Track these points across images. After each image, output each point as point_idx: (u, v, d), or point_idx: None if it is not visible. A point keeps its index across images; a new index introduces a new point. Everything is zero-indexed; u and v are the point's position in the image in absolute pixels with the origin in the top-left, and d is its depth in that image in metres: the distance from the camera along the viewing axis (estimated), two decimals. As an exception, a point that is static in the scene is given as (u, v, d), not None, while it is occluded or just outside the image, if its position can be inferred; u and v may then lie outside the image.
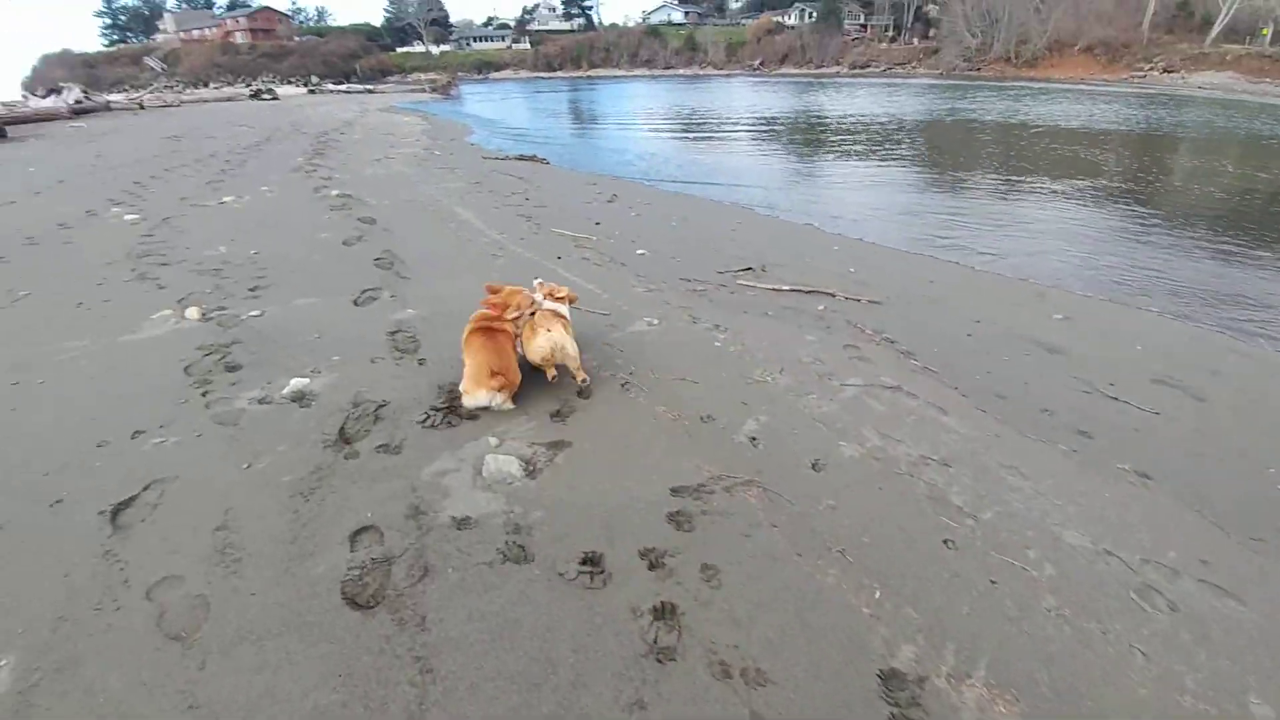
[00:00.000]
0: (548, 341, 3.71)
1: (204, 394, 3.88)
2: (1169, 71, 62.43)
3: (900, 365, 4.56)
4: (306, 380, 4.02)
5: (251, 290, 5.88)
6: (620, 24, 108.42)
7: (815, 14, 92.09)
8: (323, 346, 4.59)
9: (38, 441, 3.39)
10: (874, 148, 18.46)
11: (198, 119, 27.11)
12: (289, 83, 63.19)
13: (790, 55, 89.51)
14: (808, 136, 22.15)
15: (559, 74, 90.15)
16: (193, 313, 5.17)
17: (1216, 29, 62.29)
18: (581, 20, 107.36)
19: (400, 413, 3.68)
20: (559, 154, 16.67)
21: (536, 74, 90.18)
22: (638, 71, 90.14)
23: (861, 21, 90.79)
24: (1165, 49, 65.07)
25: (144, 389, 3.94)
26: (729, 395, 3.94)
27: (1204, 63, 61.05)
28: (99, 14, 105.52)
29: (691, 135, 22.60)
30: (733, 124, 25.79)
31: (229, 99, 42.15)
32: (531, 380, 3.87)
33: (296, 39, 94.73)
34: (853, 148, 18.60)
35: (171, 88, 58.18)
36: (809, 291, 6.10)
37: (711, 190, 12.15)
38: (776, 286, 6.26)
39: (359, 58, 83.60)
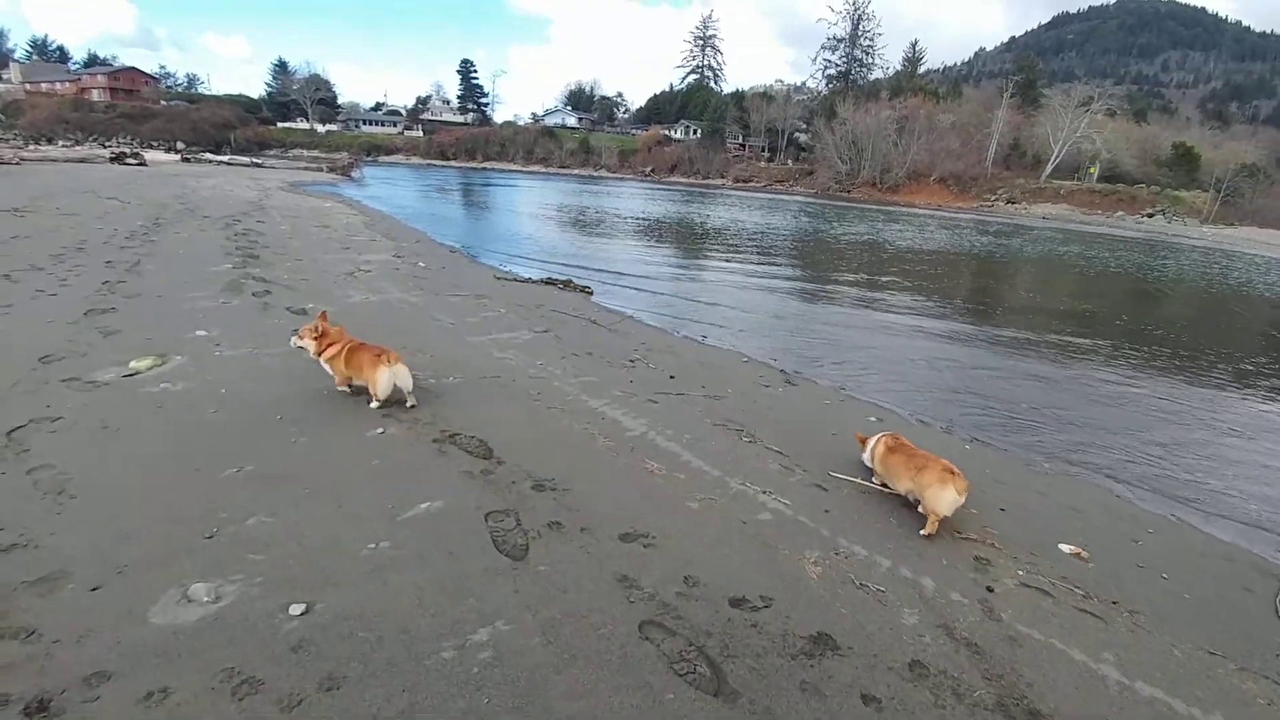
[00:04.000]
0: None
1: None
2: (1012, 202, 71.58)
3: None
4: None
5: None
6: (513, 121, 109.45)
7: (700, 131, 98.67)
8: None
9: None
10: (758, 256, 19.42)
11: (47, 182, 21.15)
12: (151, 146, 55.16)
13: (679, 165, 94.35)
14: (723, 245, 20.87)
15: (453, 163, 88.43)
16: None
17: (1050, 167, 72.87)
18: (477, 115, 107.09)
19: None
20: (542, 263, 13.79)
21: (429, 161, 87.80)
22: (533, 167, 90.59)
23: (740, 141, 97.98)
24: (1006, 183, 75.01)
25: None
26: None
27: (1041, 196, 70.71)
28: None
29: (658, 245, 20.49)
30: (675, 232, 24.21)
31: (82, 159, 34.81)
32: None
33: (163, 103, 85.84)
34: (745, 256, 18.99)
35: (6, 140, 48.67)
36: None
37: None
38: None
39: (233, 128, 76.61)
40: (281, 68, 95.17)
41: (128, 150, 40.08)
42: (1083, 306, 15.67)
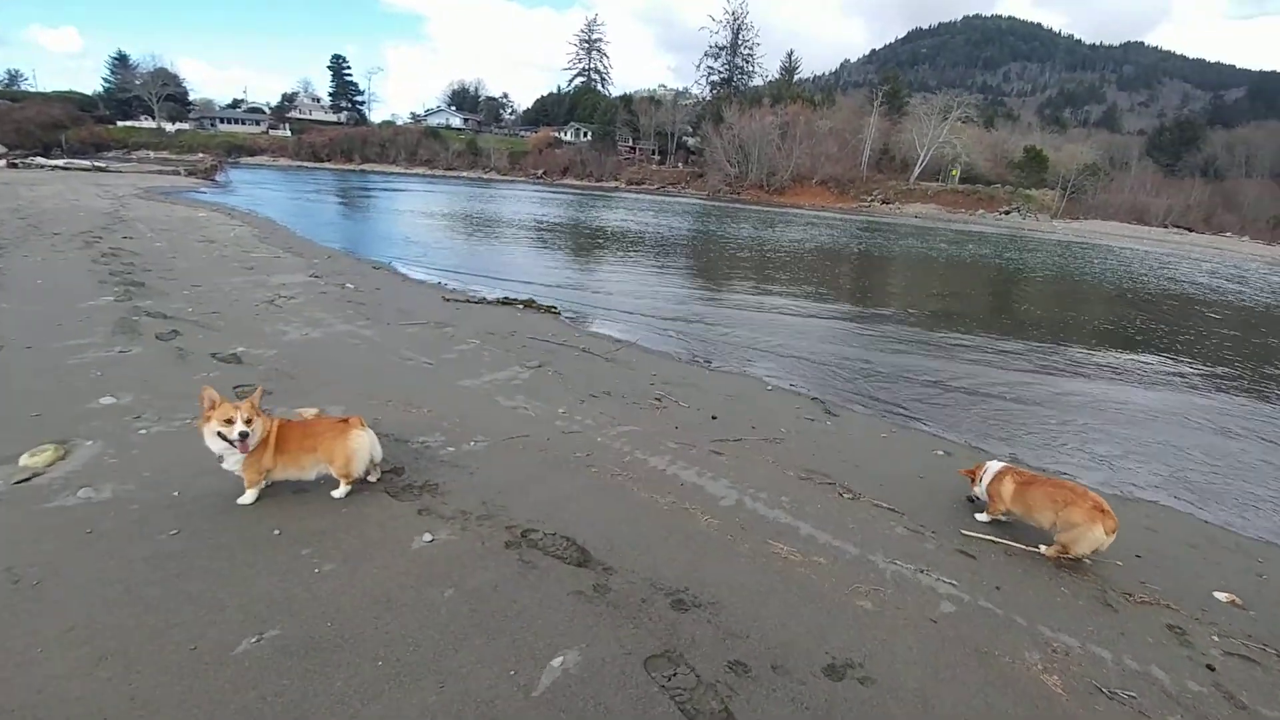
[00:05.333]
0: None
1: None
2: (886, 203, 76.70)
3: None
4: None
5: None
6: (392, 121, 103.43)
7: (590, 133, 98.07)
8: None
9: None
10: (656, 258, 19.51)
11: None
12: None
13: (571, 168, 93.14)
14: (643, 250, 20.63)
15: (326, 165, 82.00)
16: None
17: (916, 171, 78.66)
18: (352, 114, 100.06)
19: None
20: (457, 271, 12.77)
21: (300, 163, 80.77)
22: (417, 170, 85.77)
23: (631, 144, 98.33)
24: (880, 184, 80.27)
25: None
26: None
27: (912, 196, 76.20)
28: None
29: (587, 250, 19.55)
30: (573, 236, 23.43)
31: (-121, 169, 28.41)
32: None
33: None
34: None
35: None
36: None
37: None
38: None
39: (65, 128, 66.53)
40: (121, 61, 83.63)
41: (-61, 157, 33.32)
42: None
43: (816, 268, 20.95)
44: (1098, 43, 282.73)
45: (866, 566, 3.71)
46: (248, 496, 3.70)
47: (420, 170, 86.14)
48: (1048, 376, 9.31)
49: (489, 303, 10.40)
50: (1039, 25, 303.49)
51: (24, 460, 4.00)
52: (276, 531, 3.44)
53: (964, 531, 4.26)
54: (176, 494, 3.75)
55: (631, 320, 10.77)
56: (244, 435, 3.39)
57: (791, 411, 6.43)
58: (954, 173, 74.90)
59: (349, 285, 10.66)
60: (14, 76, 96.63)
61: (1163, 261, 37.59)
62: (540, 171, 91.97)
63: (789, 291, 15.23)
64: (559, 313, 10.21)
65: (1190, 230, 64.18)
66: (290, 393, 5.57)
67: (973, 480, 4.54)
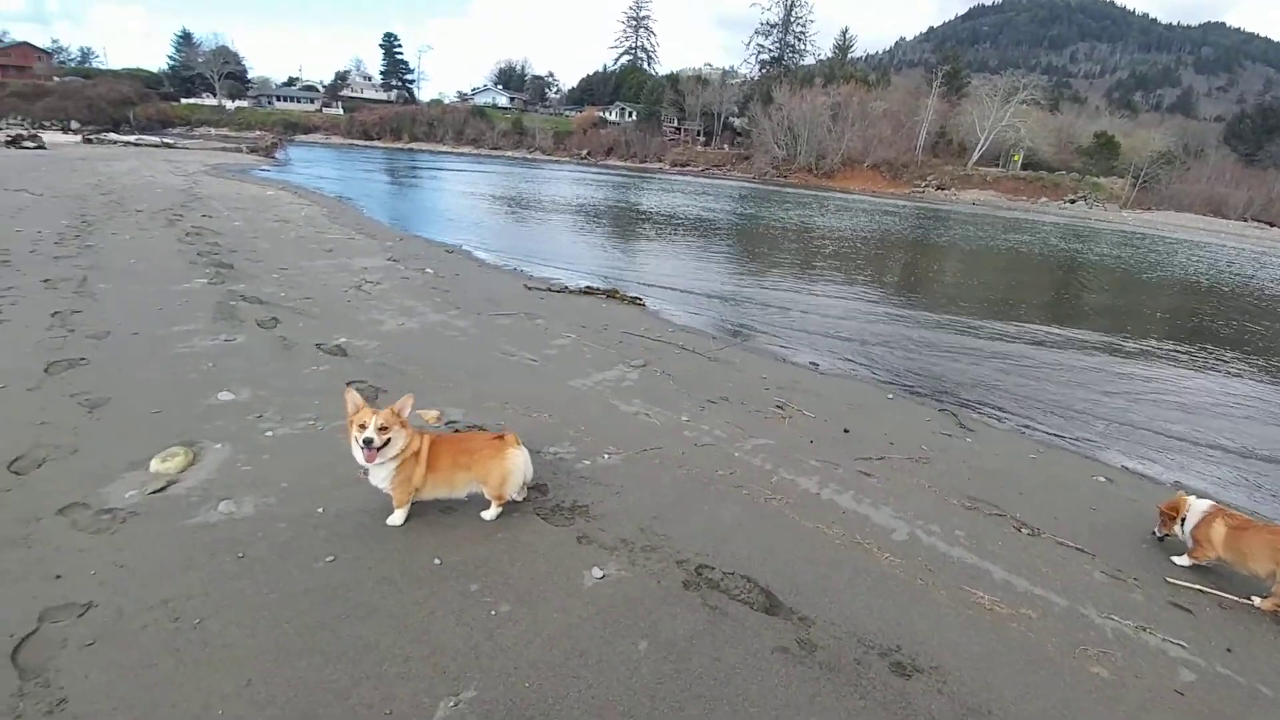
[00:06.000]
0: None
1: None
2: (942, 188, 73.81)
3: None
4: None
5: None
6: (440, 100, 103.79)
7: (635, 113, 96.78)
8: None
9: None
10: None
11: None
12: (43, 126, 48.00)
13: (615, 148, 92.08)
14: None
15: (377, 143, 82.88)
16: None
17: (976, 155, 75.50)
18: (401, 92, 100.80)
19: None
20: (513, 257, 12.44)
21: (351, 141, 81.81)
22: (464, 149, 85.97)
23: (676, 124, 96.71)
24: (935, 169, 77.24)
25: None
26: None
27: (969, 183, 73.18)
28: None
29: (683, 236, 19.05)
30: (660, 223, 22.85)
31: (-30, 145, 29.65)
32: None
33: (56, 79, 75.61)
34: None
35: None
36: None
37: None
38: None
39: (133, 105, 68.70)
40: (185, 39, 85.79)
41: (24, 131, 34.45)
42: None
43: (886, 259, 20.14)
44: (1174, 22, 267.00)
45: (1082, 623, 3.26)
46: (396, 517, 3.43)
47: (467, 149, 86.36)
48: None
49: (571, 292, 10.07)
50: (1110, 3, 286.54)
51: (155, 465, 3.82)
52: (437, 561, 3.16)
53: (1170, 579, 3.77)
54: (320, 510, 3.51)
55: (712, 312, 10.36)
56: (369, 442, 3.05)
57: (921, 424, 5.95)
58: (1015, 158, 71.66)
59: (429, 270, 10.46)
60: (86, 54, 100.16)
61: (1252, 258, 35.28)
62: (585, 152, 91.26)
63: (864, 283, 14.57)
64: (644, 304, 9.82)
65: (1272, 225, 60.16)
66: (403, 391, 5.32)
67: (1170, 519, 4.03)
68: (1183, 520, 3.96)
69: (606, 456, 4.49)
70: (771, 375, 6.90)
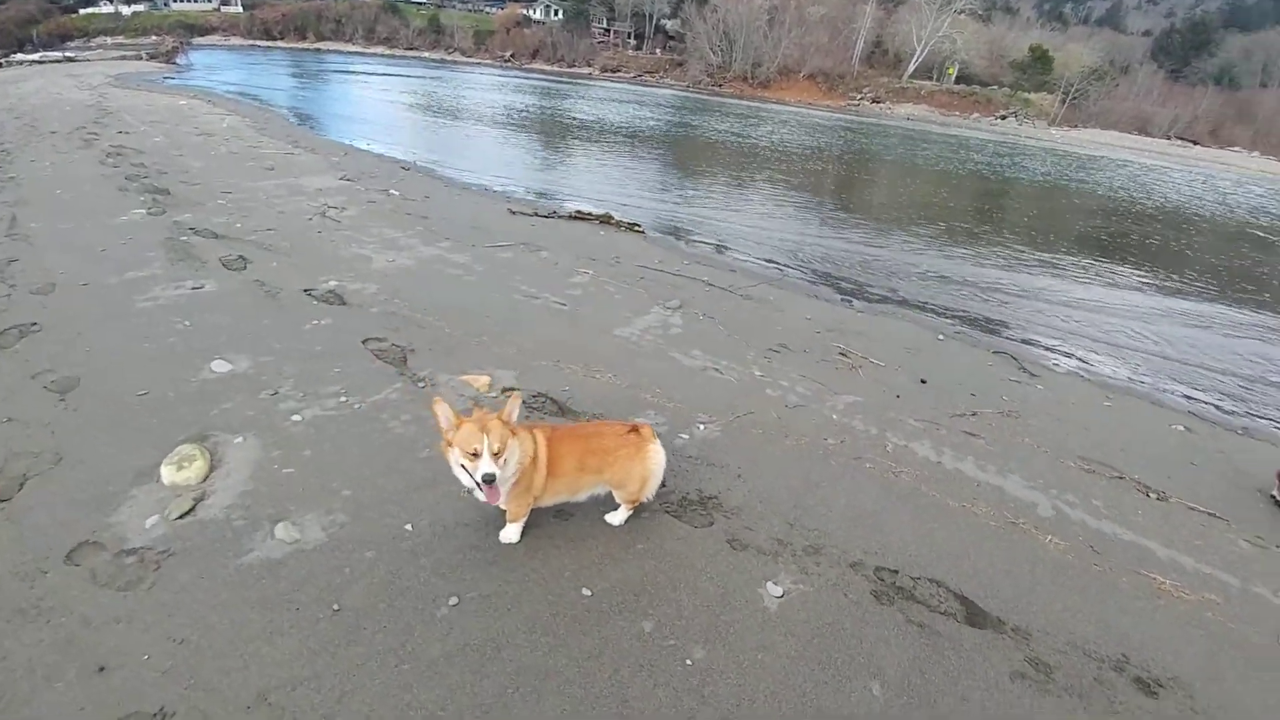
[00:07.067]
0: None
1: None
2: (877, 101, 73.34)
3: None
4: None
5: None
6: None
7: (562, 12, 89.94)
8: None
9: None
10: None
11: None
12: None
13: (541, 51, 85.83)
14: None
15: (279, 43, 74.36)
16: None
17: (911, 67, 74.99)
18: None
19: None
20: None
21: (253, 42, 72.85)
22: (376, 49, 78.12)
23: (605, 25, 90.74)
24: (871, 81, 76.34)
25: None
26: None
27: (904, 96, 72.99)
28: None
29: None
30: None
31: None
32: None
33: None
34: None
35: None
36: None
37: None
38: None
39: (37, 23, 59.94)
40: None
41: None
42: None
43: (835, 176, 19.67)
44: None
45: (1266, 607, 3.05)
46: (513, 532, 2.78)
47: (379, 50, 78.61)
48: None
49: (561, 217, 9.10)
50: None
51: (169, 475, 2.96)
52: (586, 592, 2.56)
53: (1311, 546, 3.65)
54: (409, 528, 2.81)
55: (721, 239, 9.66)
56: (490, 479, 2.32)
57: (985, 370, 5.65)
58: (950, 71, 71.64)
59: (394, 192, 9.20)
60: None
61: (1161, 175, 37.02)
62: (509, 54, 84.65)
63: (848, 211, 14.11)
64: (643, 231, 9.00)
65: (1195, 143, 62.86)
66: (432, 349, 4.50)
67: None
68: None
69: (702, 428, 3.92)
70: (816, 316, 6.40)
